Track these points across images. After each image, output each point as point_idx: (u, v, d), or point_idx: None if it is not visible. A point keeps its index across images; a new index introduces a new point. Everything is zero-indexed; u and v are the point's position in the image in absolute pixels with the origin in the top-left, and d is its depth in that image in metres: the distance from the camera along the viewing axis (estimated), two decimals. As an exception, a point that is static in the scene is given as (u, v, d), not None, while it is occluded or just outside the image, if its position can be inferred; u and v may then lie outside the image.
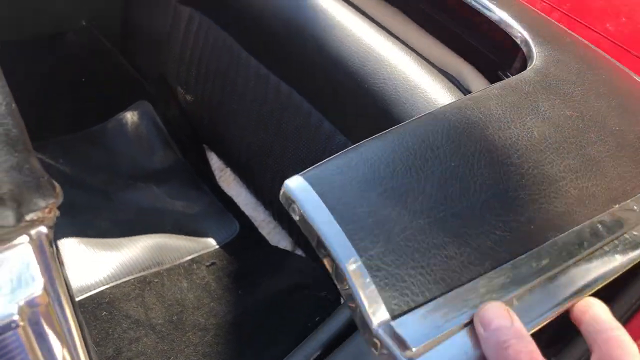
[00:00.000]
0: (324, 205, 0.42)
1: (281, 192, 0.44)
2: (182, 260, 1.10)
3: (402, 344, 0.39)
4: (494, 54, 0.95)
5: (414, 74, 0.86)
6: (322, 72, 0.99)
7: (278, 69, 1.11)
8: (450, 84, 0.85)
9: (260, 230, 1.27)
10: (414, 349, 0.39)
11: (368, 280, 0.40)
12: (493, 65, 0.93)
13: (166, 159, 1.38)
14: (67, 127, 1.38)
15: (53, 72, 1.38)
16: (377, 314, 0.40)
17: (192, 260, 1.11)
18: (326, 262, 0.42)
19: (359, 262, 0.41)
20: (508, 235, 0.45)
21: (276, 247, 1.23)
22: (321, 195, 0.43)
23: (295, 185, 0.43)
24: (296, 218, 0.43)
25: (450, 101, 0.82)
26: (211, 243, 1.18)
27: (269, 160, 1.17)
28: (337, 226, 0.42)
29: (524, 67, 0.90)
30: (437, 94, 0.82)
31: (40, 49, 1.36)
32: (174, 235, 1.15)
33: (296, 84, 1.08)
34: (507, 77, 0.89)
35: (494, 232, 0.44)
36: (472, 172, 0.47)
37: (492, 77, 0.89)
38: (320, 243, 0.42)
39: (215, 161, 1.43)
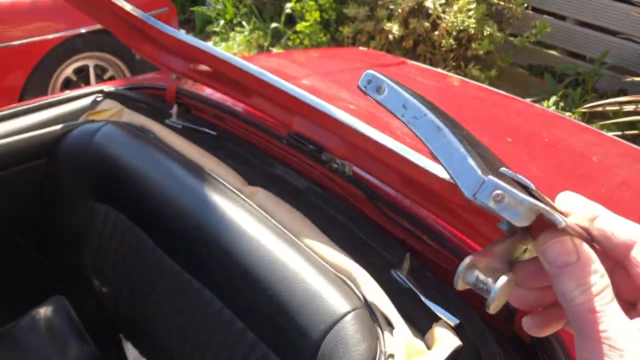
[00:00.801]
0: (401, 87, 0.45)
1: (362, 79, 0.46)
2: None
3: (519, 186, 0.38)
4: (387, 252, 1.05)
5: (314, 281, 0.93)
6: (231, 275, 1.05)
7: (190, 267, 1.16)
8: (347, 289, 0.92)
9: None
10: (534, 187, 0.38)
11: (459, 143, 0.41)
12: (387, 264, 1.02)
13: (81, 354, 1.36)
14: (-25, 329, 1.35)
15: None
16: (480, 168, 0.39)
17: None
18: (417, 125, 0.42)
19: (447, 129, 0.42)
20: None
21: None
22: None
23: (375, 72, 0.46)
24: (380, 97, 0.44)
25: (347, 308, 0.88)
26: None
27: (183, 354, 1.18)
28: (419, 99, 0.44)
29: (412, 268, 0.99)
30: (335, 301, 0.89)
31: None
32: None
33: (208, 282, 1.13)
34: (400, 277, 0.97)
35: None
36: None
37: (386, 277, 0.97)
38: (412, 110, 0.43)
39: (131, 352, 1.41)
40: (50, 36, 2.94)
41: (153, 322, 1.26)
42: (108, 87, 1.52)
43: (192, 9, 5.13)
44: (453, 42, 3.84)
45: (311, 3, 4.44)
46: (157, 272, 1.23)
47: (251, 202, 1.13)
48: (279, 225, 1.07)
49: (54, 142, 1.36)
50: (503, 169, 0.40)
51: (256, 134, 1.42)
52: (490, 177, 0.38)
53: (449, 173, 0.41)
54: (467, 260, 0.41)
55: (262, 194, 1.15)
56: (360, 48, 2.81)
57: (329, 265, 0.98)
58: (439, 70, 2.25)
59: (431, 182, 0.88)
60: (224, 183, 1.18)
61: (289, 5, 4.57)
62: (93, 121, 1.39)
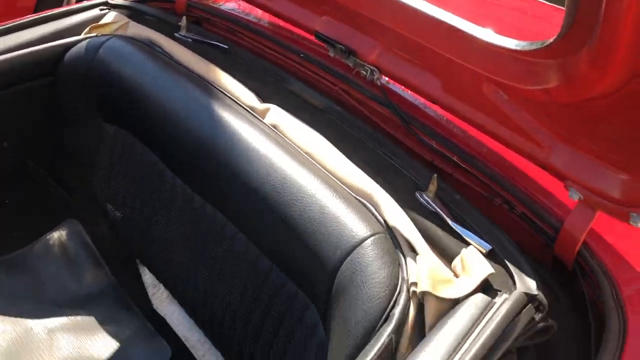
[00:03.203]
0: None
1: None
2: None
3: None
4: (411, 173, 0.96)
5: (331, 204, 0.85)
6: (243, 198, 0.97)
7: (203, 190, 1.10)
8: (366, 212, 0.84)
9: (194, 352, 1.22)
10: None
11: None
12: (411, 185, 0.93)
13: (96, 280, 1.32)
14: (-12, 254, 1.32)
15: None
16: None
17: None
18: None
19: None
20: None
21: (211, 374, 1.17)
22: None
23: None
24: None
25: (367, 233, 0.81)
26: (141, 374, 1.12)
27: (198, 279, 1.13)
28: None
29: (439, 190, 0.90)
30: (353, 225, 0.81)
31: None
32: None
33: (220, 206, 1.06)
34: (425, 199, 0.89)
35: None
36: None
37: (410, 199, 0.89)
38: None
39: (148, 277, 1.38)
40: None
41: (168, 248, 1.21)
42: (113, -1, 1.41)
43: None
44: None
45: None
46: (170, 196, 1.17)
47: (264, 121, 1.04)
48: (294, 144, 0.98)
49: (56, 59, 1.28)
50: None
51: (270, 48, 1.31)
52: None
53: None
54: None
55: (275, 112, 1.06)
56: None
57: (348, 188, 0.90)
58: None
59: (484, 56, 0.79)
60: (236, 100, 1.09)
61: None
62: (96, 35, 1.29)
